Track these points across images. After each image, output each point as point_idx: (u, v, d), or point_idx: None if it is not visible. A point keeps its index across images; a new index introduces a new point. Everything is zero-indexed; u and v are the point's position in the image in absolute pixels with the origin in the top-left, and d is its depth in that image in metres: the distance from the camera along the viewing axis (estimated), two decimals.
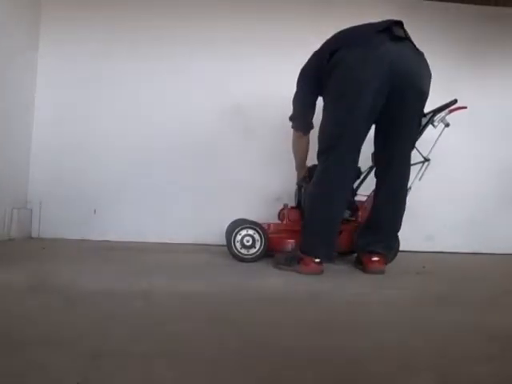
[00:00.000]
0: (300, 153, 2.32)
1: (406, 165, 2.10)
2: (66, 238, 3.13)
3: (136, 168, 3.27)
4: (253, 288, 1.59)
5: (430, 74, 1.98)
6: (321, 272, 1.92)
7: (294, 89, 2.37)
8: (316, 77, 2.06)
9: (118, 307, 1.18)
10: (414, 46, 1.95)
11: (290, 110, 3.43)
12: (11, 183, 3.01)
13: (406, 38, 1.92)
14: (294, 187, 2.70)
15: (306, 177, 2.56)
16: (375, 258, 2.02)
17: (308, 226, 2.03)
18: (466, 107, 2.54)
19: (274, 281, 1.77)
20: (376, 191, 2.19)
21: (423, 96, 1.97)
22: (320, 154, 2.01)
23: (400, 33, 1.87)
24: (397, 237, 2.29)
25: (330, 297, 1.46)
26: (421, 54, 1.95)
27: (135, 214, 3.22)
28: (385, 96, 1.86)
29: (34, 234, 3.20)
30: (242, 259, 2.27)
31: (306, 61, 2.20)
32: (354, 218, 2.45)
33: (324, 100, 2.02)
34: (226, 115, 3.31)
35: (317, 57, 2.08)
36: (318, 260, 1.93)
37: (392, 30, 1.84)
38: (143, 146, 3.28)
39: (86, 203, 3.22)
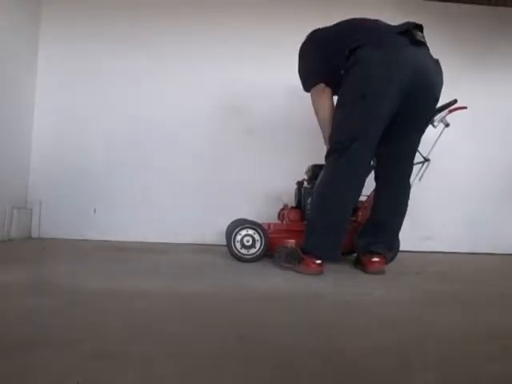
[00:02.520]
0: (326, 113, 2.02)
1: (410, 167, 2.12)
2: (66, 238, 3.13)
3: (136, 168, 3.27)
4: (253, 288, 1.59)
5: (443, 82, 1.98)
6: (320, 273, 1.92)
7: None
8: (325, 53, 2.00)
9: (118, 307, 1.18)
10: (429, 52, 1.94)
11: (290, 110, 3.43)
12: (11, 183, 3.01)
13: (425, 43, 1.90)
14: (293, 187, 2.70)
15: (310, 176, 2.56)
16: (375, 259, 2.02)
17: (315, 226, 1.96)
18: (465, 107, 2.54)
19: (274, 281, 1.77)
20: (377, 191, 2.18)
21: (435, 103, 2.01)
22: (332, 153, 1.95)
23: (420, 37, 1.85)
24: (397, 237, 2.29)
25: (330, 297, 1.46)
26: (437, 62, 1.95)
27: (135, 214, 3.23)
28: (402, 99, 1.85)
29: (34, 234, 3.20)
30: (242, 259, 2.27)
31: (316, 34, 2.12)
32: (354, 218, 2.45)
33: (342, 97, 1.95)
34: (226, 115, 3.32)
35: (334, 42, 1.98)
36: (319, 262, 1.92)
37: (413, 34, 1.83)
38: (143, 145, 3.28)
39: (86, 203, 3.23)
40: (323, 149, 3.01)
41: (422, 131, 2.13)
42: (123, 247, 2.76)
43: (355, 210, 2.47)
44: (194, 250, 2.83)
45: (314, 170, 2.59)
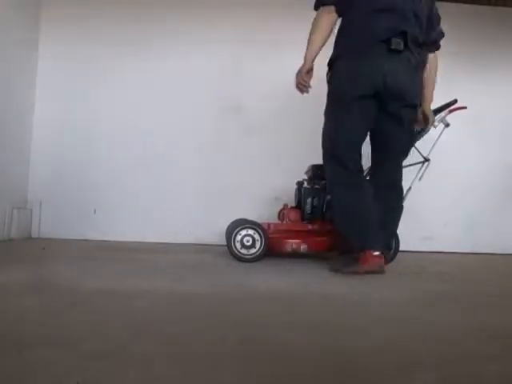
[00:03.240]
0: (317, 36, 2.06)
1: (398, 169, 2.15)
2: (66, 238, 3.13)
3: (136, 168, 3.27)
4: (253, 288, 1.59)
5: (416, 87, 2.03)
6: (382, 268, 1.88)
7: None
8: None
9: (118, 307, 1.18)
10: (413, 55, 1.95)
11: (289, 110, 3.43)
12: (11, 183, 3.01)
13: (405, 49, 1.92)
14: (294, 187, 2.70)
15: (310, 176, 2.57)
16: (376, 253, 1.98)
17: (349, 225, 2.03)
18: (465, 107, 2.54)
19: (274, 281, 1.77)
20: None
21: (412, 106, 2.04)
22: (323, 159, 2.11)
23: (398, 45, 1.90)
24: (396, 236, 2.28)
25: (330, 297, 1.46)
26: (413, 67, 1.97)
27: (135, 214, 3.23)
28: (376, 106, 1.97)
29: (34, 234, 3.20)
30: (242, 259, 2.27)
31: None
32: None
33: (326, 106, 2.11)
34: (226, 115, 3.32)
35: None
36: (377, 253, 1.90)
37: (391, 43, 1.89)
38: (143, 146, 3.29)
39: (86, 203, 3.23)
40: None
41: (409, 134, 2.14)
42: (123, 247, 2.76)
43: None
44: (194, 250, 2.83)
45: (314, 170, 2.60)
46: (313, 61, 2.09)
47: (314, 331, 1.02)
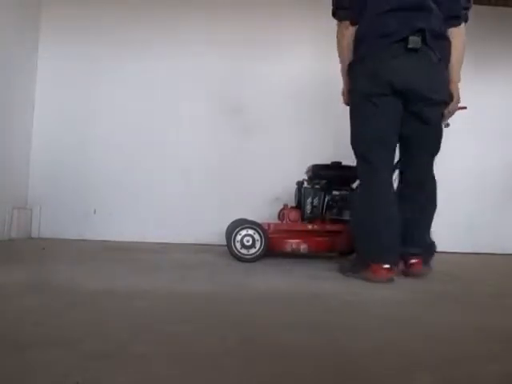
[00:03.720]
0: (341, 51, 2.08)
1: (427, 168, 2.10)
2: (66, 238, 3.13)
3: (136, 168, 3.27)
4: (253, 288, 1.59)
5: (443, 80, 1.97)
6: (391, 279, 1.80)
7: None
8: None
9: (118, 307, 1.18)
10: (434, 51, 1.90)
11: (289, 110, 3.43)
12: (11, 183, 3.02)
13: (424, 47, 1.87)
14: (294, 187, 2.70)
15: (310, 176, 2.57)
16: (413, 260, 1.97)
17: (364, 233, 1.95)
18: (465, 107, 2.54)
19: (274, 281, 1.77)
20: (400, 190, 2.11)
21: (437, 104, 1.97)
22: (356, 158, 2.05)
23: (416, 44, 1.85)
24: (428, 235, 2.22)
25: (330, 297, 1.46)
26: (434, 64, 1.92)
27: (135, 214, 3.23)
28: (400, 104, 1.92)
29: (34, 234, 3.20)
30: (242, 259, 2.27)
31: None
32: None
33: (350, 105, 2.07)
34: (226, 115, 3.32)
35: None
36: (387, 266, 1.82)
37: (408, 42, 1.84)
38: (143, 146, 3.29)
39: (86, 203, 3.23)
40: (322, 149, 3.03)
41: (437, 133, 2.06)
42: (123, 247, 2.76)
43: None
44: (194, 249, 2.83)
45: (314, 170, 2.60)
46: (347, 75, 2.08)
47: (313, 331, 1.02)
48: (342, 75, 2.11)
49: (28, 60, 3.23)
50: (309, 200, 2.56)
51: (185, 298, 1.33)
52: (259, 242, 2.30)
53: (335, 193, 2.59)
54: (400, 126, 1.96)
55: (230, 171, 3.28)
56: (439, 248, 3.33)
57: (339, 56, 2.09)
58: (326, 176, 2.61)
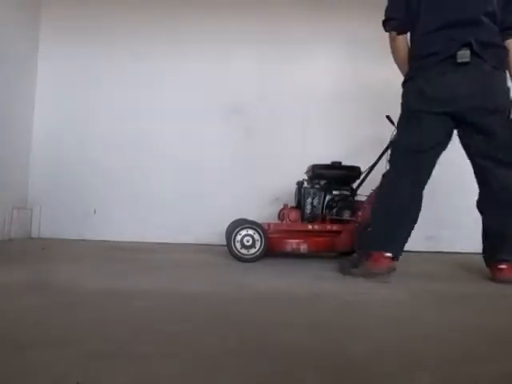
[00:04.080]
0: (397, 60, 2.14)
1: (507, 172, 2.02)
2: (66, 238, 3.13)
3: (136, 168, 3.27)
4: (253, 288, 1.59)
5: (501, 87, 1.96)
6: (392, 269, 1.84)
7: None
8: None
9: (117, 307, 1.18)
10: (485, 61, 1.89)
11: (289, 110, 3.43)
12: (11, 183, 3.02)
13: (474, 58, 1.87)
14: (294, 187, 2.70)
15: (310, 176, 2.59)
16: (502, 266, 1.92)
17: (378, 221, 2.02)
18: None
19: (274, 281, 1.77)
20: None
21: (491, 111, 1.94)
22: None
23: (464, 57, 1.87)
24: None
25: (330, 297, 1.46)
26: (487, 73, 1.91)
27: (135, 214, 3.23)
28: (446, 123, 1.96)
29: (34, 234, 3.20)
30: (241, 259, 2.27)
31: None
32: (354, 218, 2.45)
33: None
34: (226, 115, 3.32)
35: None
36: (388, 254, 1.88)
37: (456, 57, 1.87)
38: (143, 146, 3.29)
39: (86, 203, 3.23)
40: (322, 149, 3.03)
41: (504, 135, 2.00)
42: (123, 247, 2.76)
43: (355, 210, 2.48)
44: (194, 249, 2.83)
45: (314, 170, 2.60)
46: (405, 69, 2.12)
47: (313, 331, 1.02)
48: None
49: (28, 60, 3.23)
50: (309, 200, 2.56)
51: (185, 297, 1.33)
52: (259, 242, 2.30)
53: (335, 193, 2.59)
54: (444, 143, 2.01)
55: (230, 171, 3.28)
56: (440, 248, 3.35)
57: (396, 64, 2.15)
58: (326, 176, 2.61)
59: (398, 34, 2.04)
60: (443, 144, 2.02)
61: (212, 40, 3.33)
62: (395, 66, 2.17)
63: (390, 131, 2.83)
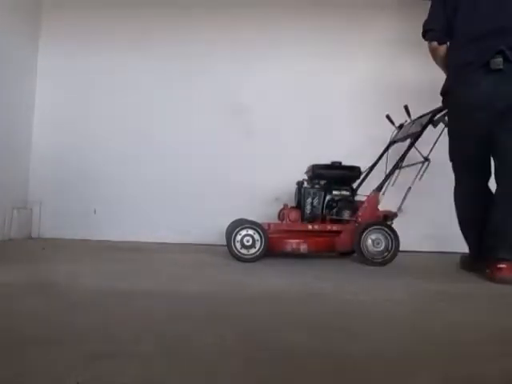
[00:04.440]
0: (439, 65, 2.31)
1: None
2: (66, 238, 3.13)
3: (136, 168, 3.27)
4: (253, 288, 1.59)
5: None
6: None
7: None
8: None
9: (118, 307, 1.18)
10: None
11: (289, 110, 3.43)
12: (11, 183, 3.02)
13: (508, 64, 1.97)
14: (294, 187, 2.70)
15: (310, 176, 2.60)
16: (502, 265, 1.92)
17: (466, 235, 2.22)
18: None
19: (274, 281, 1.77)
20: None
21: None
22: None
23: (498, 65, 1.98)
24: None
25: (330, 297, 1.46)
26: None
27: (135, 214, 3.23)
28: (488, 126, 2.05)
29: (34, 234, 3.20)
30: (241, 259, 2.27)
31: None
32: (354, 218, 2.46)
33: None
34: (226, 115, 3.32)
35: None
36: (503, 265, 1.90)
37: (489, 65, 1.99)
38: (143, 146, 3.29)
39: (86, 203, 3.23)
40: (322, 149, 3.03)
41: None
42: (123, 247, 2.76)
43: (355, 210, 2.49)
44: (194, 250, 2.83)
45: (314, 170, 2.60)
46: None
47: (313, 331, 1.02)
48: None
49: (28, 60, 3.23)
50: (309, 200, 2.56)
51: (185, 297, 1.33)
52: (259, 242, 2.30)
53: (335, 193, 2.59)
54: (490, 145, 2.08)
55: (230, 171, 3.28)
56: (440, 248, 3.35)
57: (438, 65, 2.31)
58: (326, 176, 2.61)
59: (439, 44, 2.19)
60: (486, 146, 2.12)
61: (212, 40, 3.33)
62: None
63: (390, 131, 2.85)
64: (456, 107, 2.17)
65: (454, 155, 2.24)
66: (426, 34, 2.25)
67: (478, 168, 2.17)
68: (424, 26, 2.26)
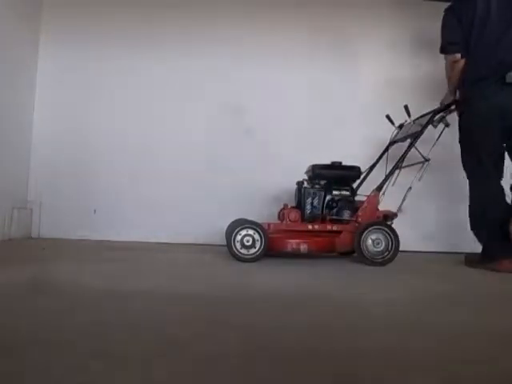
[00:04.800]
0: (450, 79, 2.46)
1: None
2: (66, 238, 3.13)
3: (136, 168, 3.27)
4: (253, 288, 1.59)
5: None
6: None
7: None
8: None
9: (117, 307, 1.18)
10: None
11: (290, 110, 3.43)
12: (11, 183, 3.01)
13: None
14: (294, 187, 2.70)
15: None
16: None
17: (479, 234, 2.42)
18: None
19: (274, 281, 1.77)
20: None
21: None
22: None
23: (510, 78, 2.15)
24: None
25: (330, 297, 1.46)
26: None
27: (135, 214, 3.23)
28: (502, 135, 2.27)
29: (34, 234, 3.20)
30: (241, 259, 2.27)
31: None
32: (354, 218, 2.46)
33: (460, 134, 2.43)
34: (225, 115, 3.32)
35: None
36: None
37: (505, 78, 2.16)
38: (143, 146, 3.29)
39: (86, 203, 3.23)
40: (322, 149, 3.03)
41: None
42: (123, 247, 2.76)
43: (355, 210, 2.49)
44: (194, 250, 2.83)
45: (314, 170, 2.60)
46: (453, 94, 2.48)
47: (313, 331, 1.02)
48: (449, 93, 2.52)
49: (28, 60, 3.23)
50: (309, 200, 2.56)
51: (185, 298, 1.33)
52: (259, 242, 2.30)
53: (335, 193, 2.59)
54: (503, 153, 2.32)
55: (230, 171, 3.28)
56: (439, 248, 3.35)
57: (448, 84, 2.49)
58: (326, 176, 2.62)
59: (462, 57, 2.32)
60: (503, 154, 2.33)
61: (213, 40, 3.33)
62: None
63: (389, 131, 2.85)
64: (475, 118, 2.28)
65: (473, 158, 2.34)
66: (448, 46, 2.36)
67: (497, 169, 2.33)
68: (445, 38, 2.38)
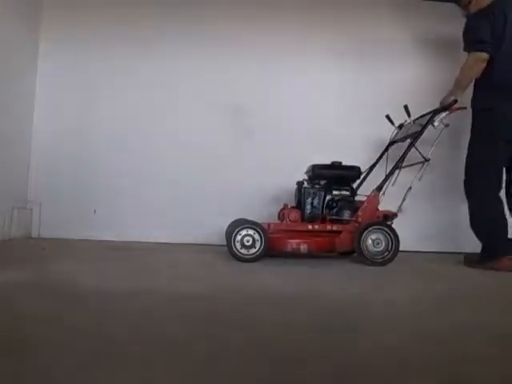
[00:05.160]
0: (465, 79, 2.44)
1: None
2: (66, 238, 3.13)
3: (136, 168, 3.27)
4: (253, 288, 1.59)
5: None
6: None
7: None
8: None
9: (117, 307, 1.18)
10: None
11: (290, 110, 3.43)
12: (11, 183, 3.01)
13: None
14: (294, 187, 2.70)
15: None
16: None
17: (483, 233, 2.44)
18: (465, 107, 2.54)
19: (274, 281, 1.77)
20: None
21: None
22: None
23: None
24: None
25: (330, 297, 1.46)
26: None
27: (135, 214, 3.22)
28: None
29: (34, 234, 3.20)
30: (241, 259, 2.27)
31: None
32: (353, 218, 2.46)
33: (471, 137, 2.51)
34: (225, 115, 3.31)
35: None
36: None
37: None
38: (143, 146, 3.28)
39: (86, 203, 3.22)
40: (322, 149, 3.03)
41: None
42: (123, 247, 2.76)
43: (355, 210, 2.49)
44: (194, 250, 2.83)
45: (314, 170, 2.60)
46: (462, 93, 2.47)
47: (313, 331, 1.02)
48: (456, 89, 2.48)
49: (28, 60, 3.23)
50: (309, 200, 2.56)
51: (185, 298, 1.33)
52: (259, 242, 2.30)
53: (335, 193, 2.59)
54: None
55: (230, 171, 3.28)
56: (439, 248, 3.35)
57: (460, 81, 2.44)
58: (326, 176, 2.61)
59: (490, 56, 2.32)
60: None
61: (213, 40, 3.33)
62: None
63: (389, 131, 2.85)
64: (500, 123, 2.34)
65: (487, 166, 2.39)
66: (478, 44, 2.33)
67: (500, 176, 2.42)
68: (474, 36, 2.35)
